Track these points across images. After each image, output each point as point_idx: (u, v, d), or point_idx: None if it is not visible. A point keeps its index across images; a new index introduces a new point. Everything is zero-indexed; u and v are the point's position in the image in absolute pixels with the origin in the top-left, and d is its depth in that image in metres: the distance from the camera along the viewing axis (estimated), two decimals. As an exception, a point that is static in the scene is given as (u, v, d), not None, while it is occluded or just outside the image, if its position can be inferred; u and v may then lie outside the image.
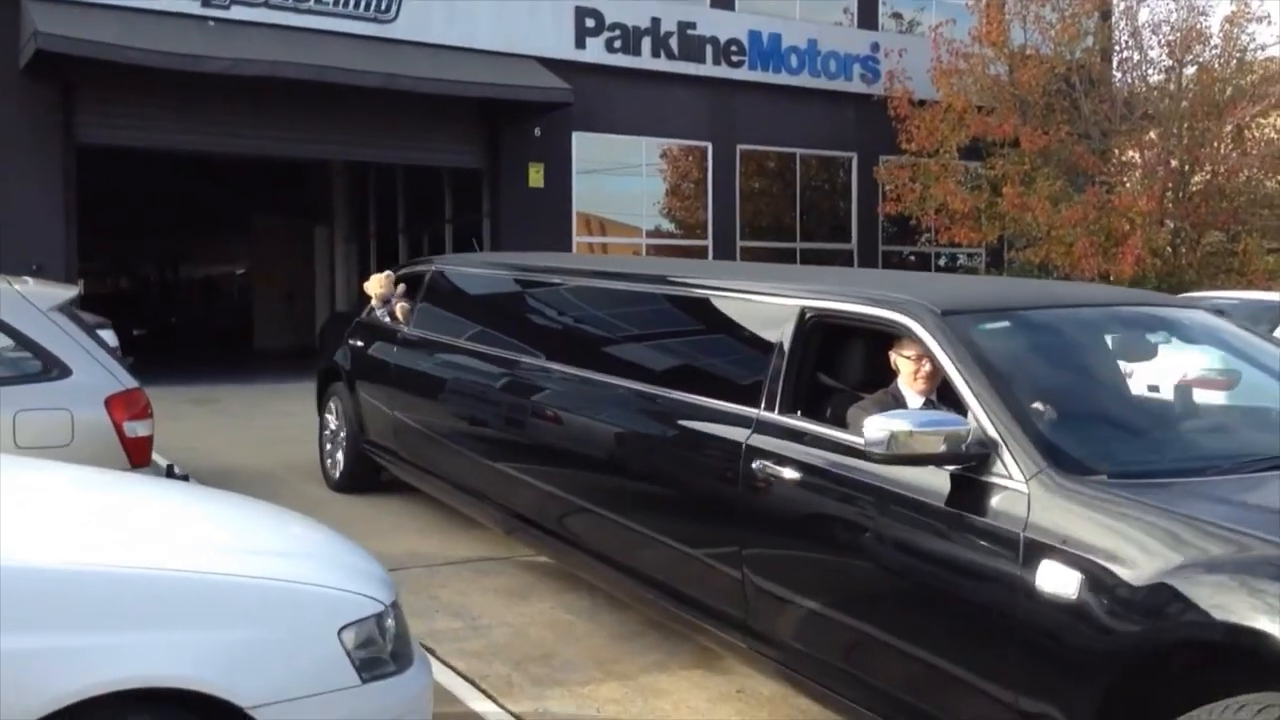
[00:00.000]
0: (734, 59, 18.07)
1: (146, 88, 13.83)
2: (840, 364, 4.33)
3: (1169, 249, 16.72)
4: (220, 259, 35.55)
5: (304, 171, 22.33)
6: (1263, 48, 17.41)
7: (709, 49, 17.88)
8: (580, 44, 16.96)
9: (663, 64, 17.51)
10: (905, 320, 3.75)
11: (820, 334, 4.14)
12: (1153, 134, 17.24)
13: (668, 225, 18.74)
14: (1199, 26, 17.32)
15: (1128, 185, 16.92)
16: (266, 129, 15.32)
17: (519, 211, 16.85)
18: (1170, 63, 17.49)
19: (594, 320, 5.85)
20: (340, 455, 7.83)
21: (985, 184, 17.51)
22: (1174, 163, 16.97)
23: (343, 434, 7.76)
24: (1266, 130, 17.32)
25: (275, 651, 2.72)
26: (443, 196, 19.25)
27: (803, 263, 18.80)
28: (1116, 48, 18.22)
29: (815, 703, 3.95)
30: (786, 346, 4.09)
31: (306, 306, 24.15)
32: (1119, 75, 18.15)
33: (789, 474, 3.85)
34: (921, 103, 17.60)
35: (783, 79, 18.45)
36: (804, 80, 18.61)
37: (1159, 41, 17.64)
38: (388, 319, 7.54)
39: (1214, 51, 17.30)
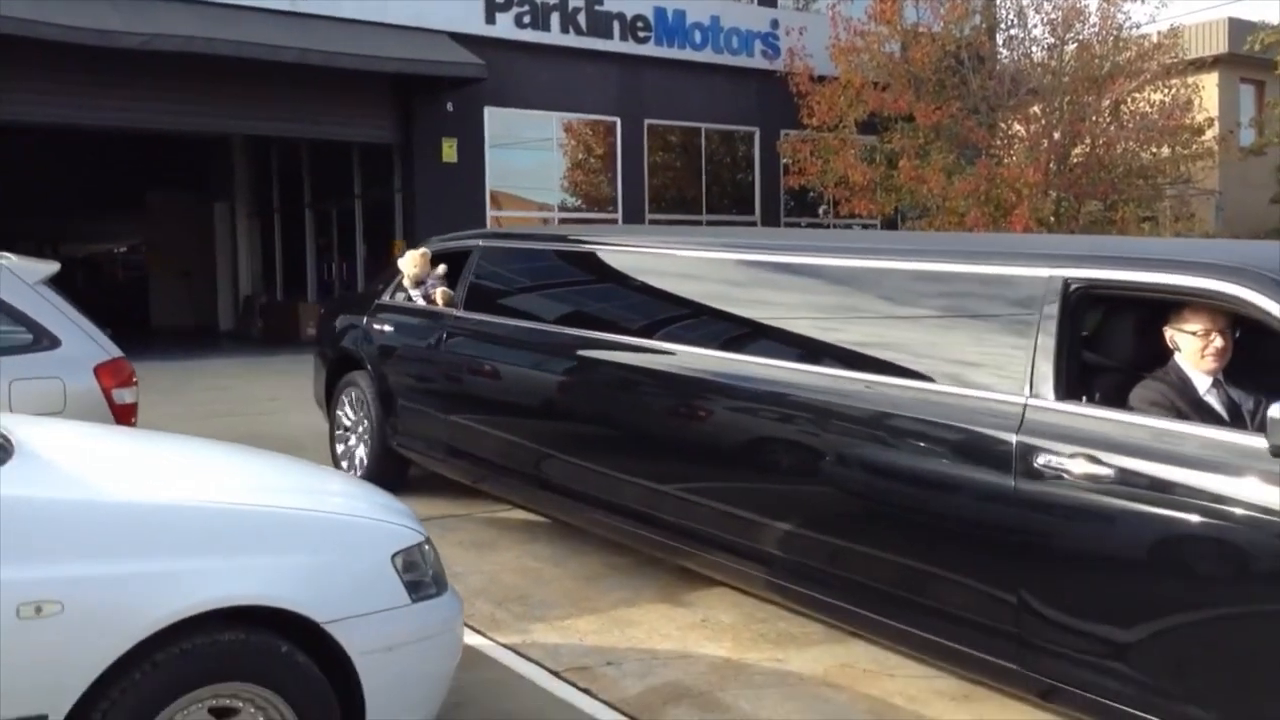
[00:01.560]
0: (640, 35, 18.48)
1: (55, 64, 13.66)
2: (1094, 340, 3.78)
3: (1053, 218, 17.69)
4: (113, 236, 34.69)
5: (203, 147, 22.07)
6: (1137, 26, 18.42)
7: (616, 25, 18.26)
8: (490, 19, 17.18)
9: (572, 39, 17.84)
10: (1241, 291, 3.13)
11: (1086, 307, 3.60)
12: (1037, 109, 18.12)
13: (578, 200, 19.11)
14: (1078, 5, 18.19)
15: (1015, 158, 17.79)
16: (173, 104, 15.24)
17: (433, 186, 17.04)
18: (1052, 40, 18.40)
19: (766, 303, 4.79)
20: (362, 452, 7.08)
21: (882, 157, 18.24)
22: (1056, 136, 17.90)
23: (362, 429, 7.09)
24: (1141, 104, 18.32)
25: (341, 574, 3.11)
26: (351, 171, 19.30)
27: (710, 234, 19.41)
28: (1002, 26, 19.07)
29: (778, 620, 4.47)
30: (1053, 324, 3.48)
31: (206, 284, 23.92)
32: (1005, 52, 19.00)
33: (1094, 473, 3.23)
34: (821, 79, 18.22)
35: (687, 55, 18.95)
36: (708, 56, 19.13)
37: (1041, 20, 18.51)
38: (421, 301, 6.82)
39: (1092, 29, 18.22)
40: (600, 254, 5.86)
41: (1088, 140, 18.03)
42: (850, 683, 4.34)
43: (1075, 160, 18.22)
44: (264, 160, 22.08)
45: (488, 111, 17.32)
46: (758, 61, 19.45)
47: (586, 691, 4.24)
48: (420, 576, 3.30)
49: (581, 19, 17.91)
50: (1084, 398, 3.46)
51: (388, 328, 6.98)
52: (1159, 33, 18.52)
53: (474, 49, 16.39)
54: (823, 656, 4.60)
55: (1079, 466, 3.27)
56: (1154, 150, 18.26)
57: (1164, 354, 3.62)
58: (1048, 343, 3.47)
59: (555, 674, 4.41)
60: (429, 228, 16.96)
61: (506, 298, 6.47)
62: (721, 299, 5.00)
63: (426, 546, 3.39)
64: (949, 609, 3.63)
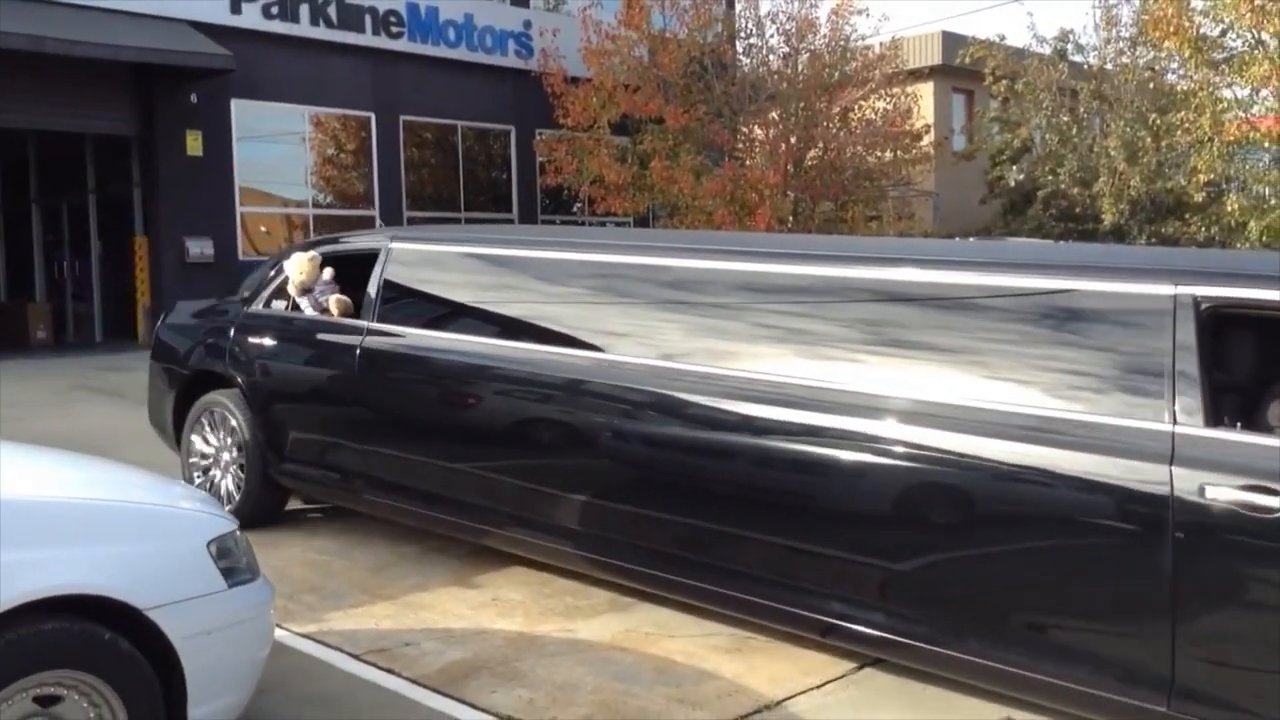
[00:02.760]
0: (393, 30, 18.37)
1: None
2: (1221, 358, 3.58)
3: (791, 218, 18.84)
4: None
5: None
6: (863, 38, 19.84)
7: (368, 19, 18.08)
8: (236, 9, 16.66)
9: (322, 32, 17.54)
10: None
11: (1218, 325, 3.44)
12: (775, 114, 19.24)
13: (331, 195, 18.80)
14: (810, 17, 19.43)
15: (756, 160, 18.83)
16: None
17: (177, 180, 16.38)
18: (787, 50, 19.57)
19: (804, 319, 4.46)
20: (229, 484, 6.35)
21: (635, 158, 18.89)
22: (793, 140, 19.07)
23: (228, 458, 6.35)
24: (867, 112, 19.75)
25: (160, 562, 3.20)
26: (85, 165, 18.26)
27: (469, 231, 19.54)
28: (742, 34, 20.10)
29: (565, 595, 4.80)
30: (1191, 343, 3.34)
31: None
32: (745, 60, 20.06)
33: (1267, 504, 3.08)
34: (575, 80, 18.69)
35: (442, 51, 18.98)
36: (462, 54, 19.23)
37: (777, 30, 19.65)
38: (311, 311, 6.22)
39: (823, 40, 19.52)
40: (550, 259, 5.42)
41: (820, 145, 19.28)
42: (635, 645, 4.71)
43: (810, 163, 19.46)
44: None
45: (235, 104, 16.79)
46: (512, 61, 19.71)
47: (389, 671, 4.42)
48: (234, 563, 3.42)
49: (332, 11, 17.65)
50: (1239, 424, 3.35)
51: (269, 341, 6.24)
52: (882, 44, 20.04)
53: (221, 40, 15.87)
54: (609, 624, 4.95)
55: (1248, 498, 3.12)
56: (879, 154, 19.73)
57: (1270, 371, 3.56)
58: (1188, 364, 3.33)
59: (356, 657, 4.56)
60: (172, 222, 16.36)
61: (445, 309, 5.76)
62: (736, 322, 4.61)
63: (238, 534, 3.51)
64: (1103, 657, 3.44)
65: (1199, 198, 17.09)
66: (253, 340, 6.31)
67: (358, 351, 5.71)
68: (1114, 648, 3.40)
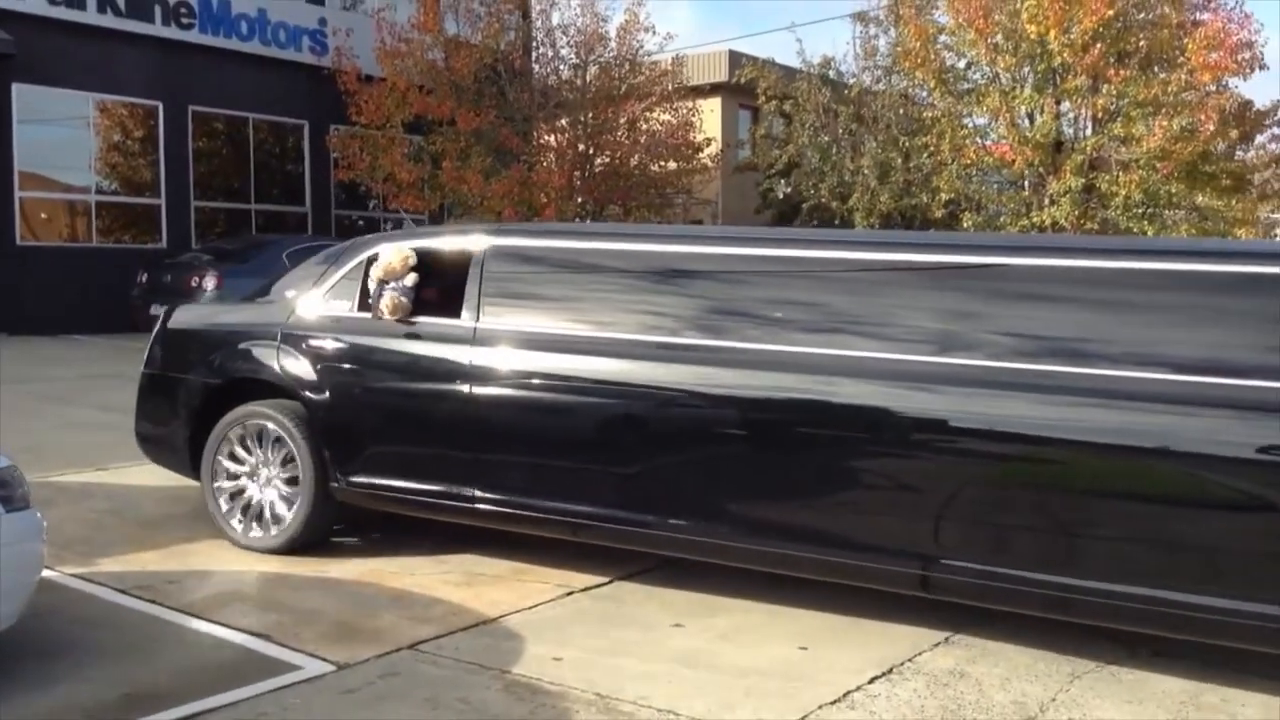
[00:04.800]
0: (184, 21, 18.38)
1: None
2: None
3: (578, 219, 19.81)
4: None
5: None
6: (649, 54, 21.02)
7: (158, 9, 18.04)
8: (18, -8, 16.43)
9: (110, 20, 17.42)
10: None
11: None
12: (564, 121, 20.19)
13: (116, 183, 18.63)
14: (600, 31, 20.50)
15: (545, 165, 19.72)
16: None
17: (-50, 163, 16.03)
18: (577, 61, 20.54)
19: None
20: (271, 499, 5.84)
21: (428, 157, 19.47)
22: (581, 147, 20.06)
23: (269, 474, 5.85)
24: (653, 123, 20.92)
25: (-55, 489, 3.80)
26: None
27: (260, 225, 19.71)
28: (534, 44, 20.95)
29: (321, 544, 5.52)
30: None
31: None
32: (537, 68, 20.92)
33: None
34: (369, 79, 19.13)
35: (234, 44, 19.08)
36: (256, 48, 19.36)
37: (568, 41, 20.61)
38: (386, 301, 5.64)
39: (611, 54, 20.60)
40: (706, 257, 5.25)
41: (608, 153, 20.34)
42: (379, 580, 5.46)
43: (598, 169, 20.51)
44: None
45: (16, 88, 16.53)
46: (306, 57, 19.95)
47: (153, 601, 5.04)
48: (11, 492, 4.04)
49: (120, 1, 17.55)
50: None
51: (340, 346, 5.72)
52: (668, 60, 21.27)
53: (2, 24, 15.64)
54: (358, 565, 5.69)
55: None
56: (662, 164, 20.94)
57: None
58: None
59: (123, 591, 5.16)
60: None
61: (574, 310, 5.37)
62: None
63: (16, 471, 4.12)
64: None
65: (940, 215, 18.94)
66: (314, 344, 5.76)
67: (468, 357, 5.35)
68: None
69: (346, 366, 5.72)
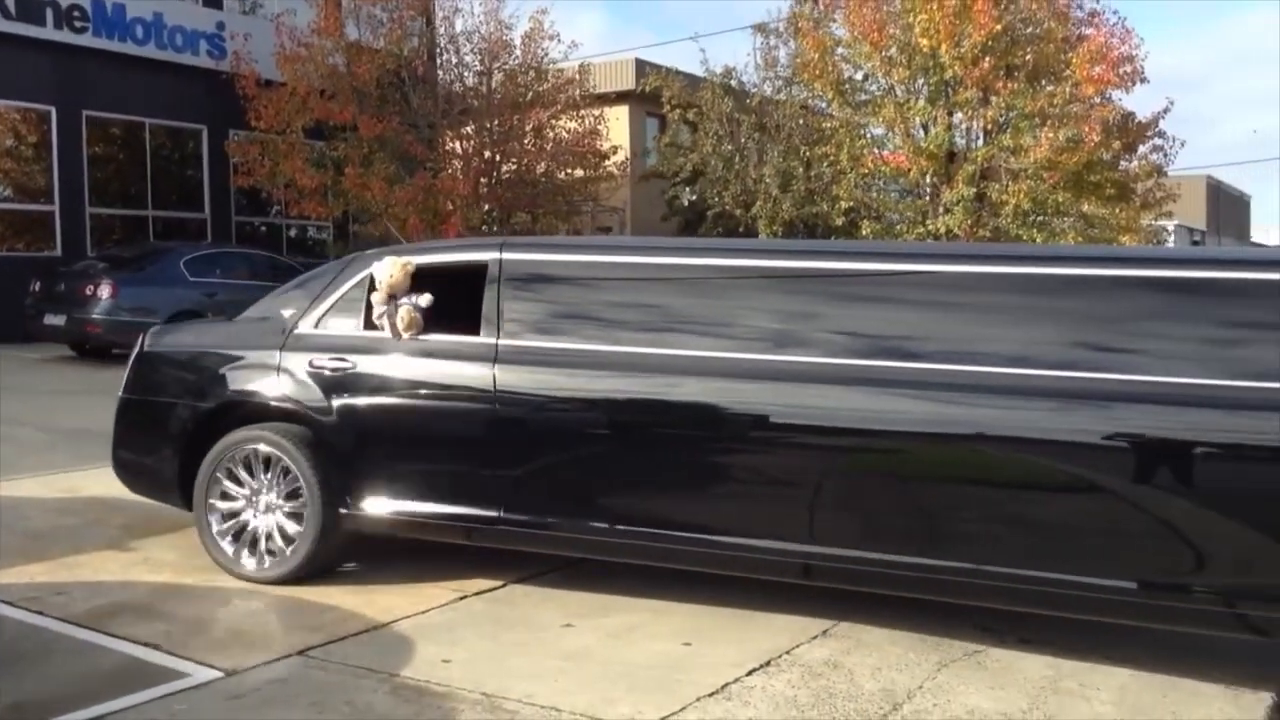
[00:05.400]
0: (77, 25, 18.01)
1: None
2: None
3: (484, 227, 19.83)
4: None
5: None
6: (554, 61, 21.15)
7: (50, 12, 17.66)
8: (-101, -7, 15.95)
9: (1, 24, 17.00)
10: None
11: None
12: (470, 128, 20.21)
13: (9, 189, 18.16)
14: (505, 38, 20.58)
15: (450, 172, 19.71)
16: None
17: None
18: (482, 68, 20.58)
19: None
20: (272, 527, 5.56)
21: (330, 163, 19.33)
22: (487, 154, 20.09)
23: (270, 500, 5.57)
24: (559, 131, 21.06)
25: None
26: None
27: (157, 232, 19.38)
28: (439, 50, 20.93)
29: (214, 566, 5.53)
30: None
31: None
32: (442, 74, 20.90)
33: None
34: (269, 83, 18.93)
35: (130, 49, 18.75)
36: (152, 52, 19.05)
37: (472, 48, 20.65)
38: (387, 321, 5.43)
39: (516, 61, 20.68)
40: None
41: (514, 160, 20.41)
42: (272, 591, 5.48)
43: (505, 176, 20.56)
44: None
45: (-103, 92, 16.06)
46: (204, 61, 19.69)
47: (39, 612, 5.01)
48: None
49: (11, 4, 17.13)
50: None
51: (348, 365, 5.46)
52: (574, 68, 21.41)
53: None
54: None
55: None
56: (569, 171, 21.08)
57: None
58: None
59: (9, 603, 5.10)
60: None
61: (602, 325, 5.22)
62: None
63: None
64: None
65: (840, 222, 19.39)
66: (320, 364, 5.51)
67: (492, 375, 5.16)
68: None
69: (357, 387, 5.45)
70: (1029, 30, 18.09)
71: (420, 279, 5.45)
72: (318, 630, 4.90)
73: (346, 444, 5.43)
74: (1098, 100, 18.25)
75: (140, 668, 4.42)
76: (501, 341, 5.22)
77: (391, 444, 5.42)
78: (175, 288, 14.95)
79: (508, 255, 5.41)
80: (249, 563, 5.58)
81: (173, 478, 5.80)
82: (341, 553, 5.67)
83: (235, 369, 5.75)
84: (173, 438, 5.82)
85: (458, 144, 20.55)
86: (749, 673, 4.43)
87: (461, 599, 5.39)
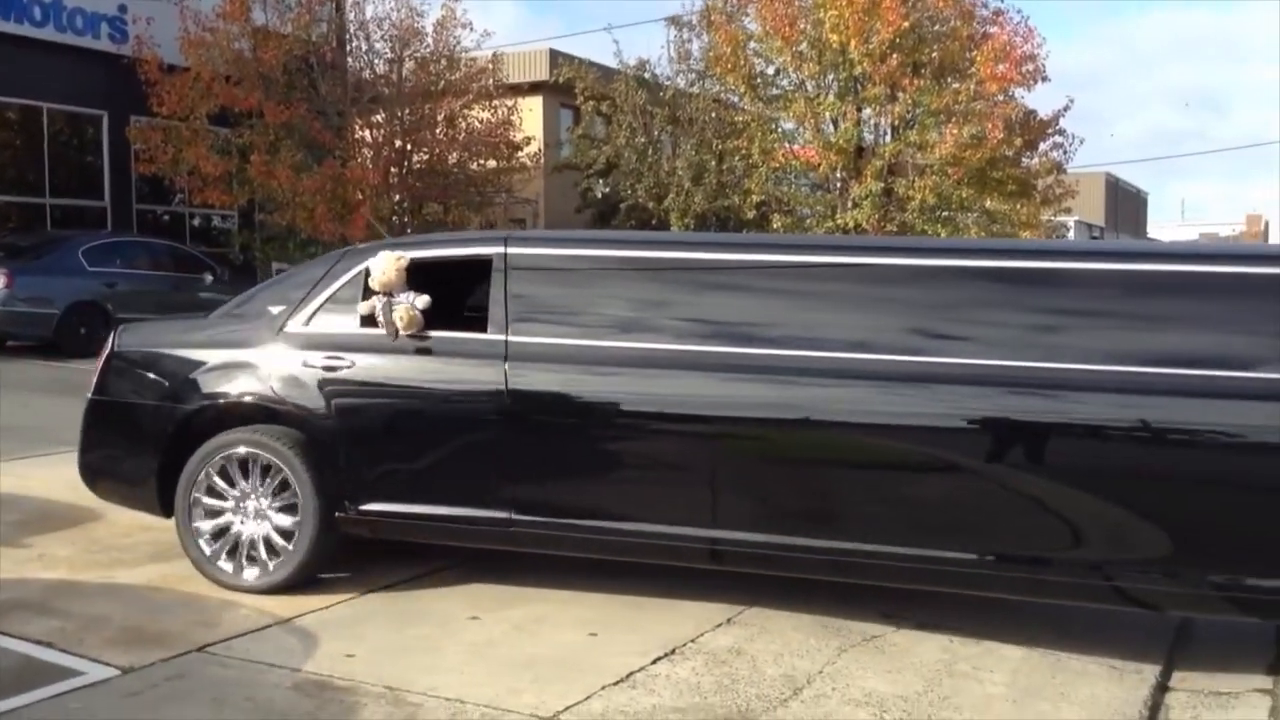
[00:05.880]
0: (-31, 5, 17.38)
1: None
2: None
3: (394, 218, 19.62)
4: None
5: None
6: (467, 50, 20.96)
7: (-62, -9, 17.01)
8: None
9: (-114, 2, 16.34)
10: None
11: None
12: (380, 117, 19.95)
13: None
14: (416, 25, 20.32)
15: (360, 161, 19.44)
16: None
17: None
18: (393, 55, 20.32)
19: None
20: (262, 533, 5.32)
21: (235, 150, 18.92)
22: (398, 143, 19.86)
23: (258, 506, 5.33)
24: (471, 121, 20.89)
25: None
26: None
27: (55, 220, 18.81)
28: (348, 37, 20.61)
29: (111, 550, 5.39)
30: None
31: None
32: (351, 61, 20.59)
33: None
34: (172, 69, 18.45)
35: (27, 30, 18.12)
36: (50, 34, 18.43)
37: (383, 35, 20.37)
38: (382, 317, 5.24)
39: (428, 49, 20.46)
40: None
41: (425, 149, 20.20)
42: (171, 586, 5.39)
43: (416, 166, 20.34)
44: None
45: None
46: (105, 45, 19.11)
47: (-73, 614, 4.87)
48: None
49: (-102, -19, 16.47)
50: None
51: (348, 364, 5.28)
52: (487, 57, 21.26)
53: None
54: (148, 572, 5.58)
55: None
56: (482, 162, 20.93)
57: None
58: None
59: (-106, 605, 4.96)
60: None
61: (614, 319, 5.14)
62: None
63: None
64: None
65: (751, 215, 19.58)
66: (315, 364, 5.32)
67: (504, 373, 5.05)
68: None
69: (356, 387, 5.28)
70: (935, 28, 18.45)
71: (413, 273, 5.28)
72: (217, 626, 4.84)
73: (346, 445, 5.25)
74: (1001, 98, 18.69)
75: (34, 666, 4.33)
76: (511, 338, 5.10)
77: (394, 444, 5.28)
78: (73, 277, 14.56)
79: (514, 250, 5.28)
80: (241, 571, 5.33)
81: (150, 483, 5.53)
82: (330, 560, 5.45)
83: (220, 369, 5.49)
84: (151, 441, 5.55)
85: (367, 133, 20.27)
86: (654, 661, 4.49)
87: (366, 594, 5.36)
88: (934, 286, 4.84)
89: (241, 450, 5.34)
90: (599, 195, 23.04)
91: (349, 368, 5.28)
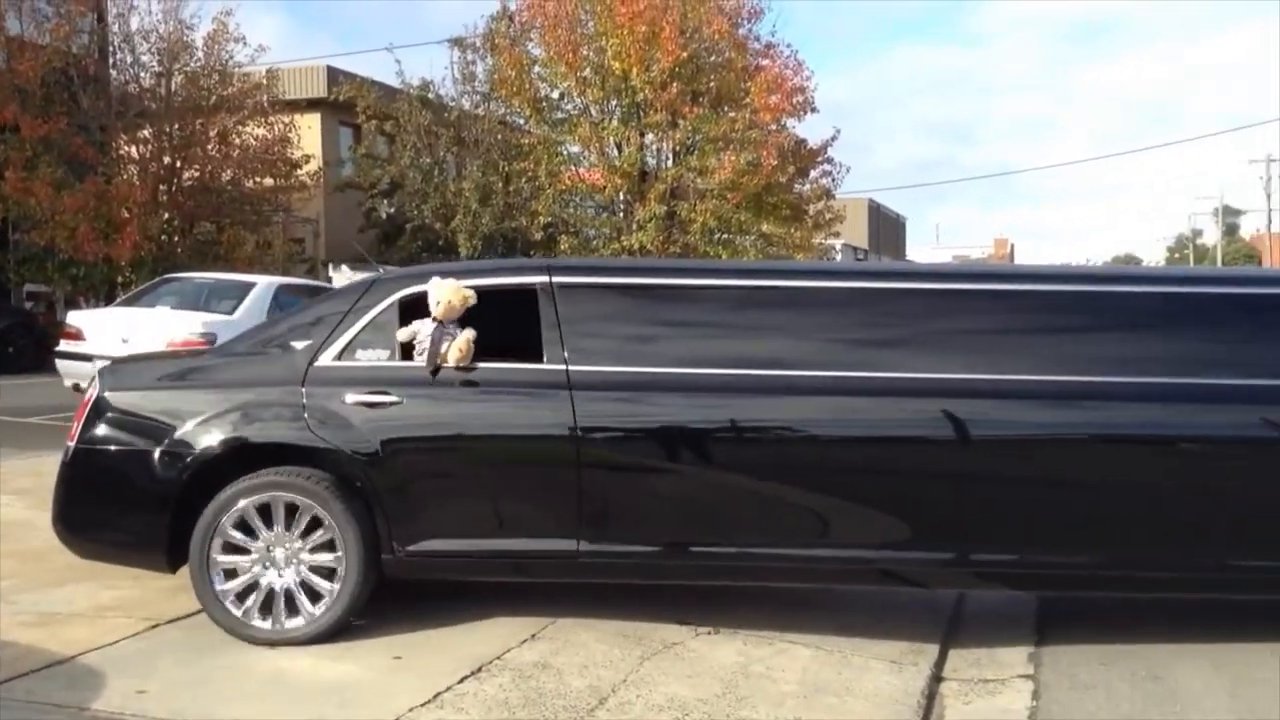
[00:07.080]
0: None
1: None
2: None
3: (164, 236, 18.75)
4: None
5: None
6: (240, 65, 20.32)
7: None
8: None
9: None
10: None
11: None
12: (147, 132, 19.07)
13: None
14: (185, 38, 19.59)
15: (126, 177, 18.52)
16: None
17: None
18: (160, 69, 19.49)
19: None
20: (292, 583, 4.97)
21: (-10, 165, 17.69)
22: (166, 160, 19.03)
23: (287, 552, 4.96)
24: (245, 137, 20.26)
25: None
26: None
27: None
28: (111, 49, 19.63)
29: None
30: None
31: None
32: (115, 74, 19.61)
33: None
34: (-89, 77, 17.13)
35: None
36: None
37: (150, 48, 19.51)
38: (427, 348, 5.02)
39: (198, 63, 19.72)
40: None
41: (197, 166, 19.44)
42: None
43: (186, 184, 19.54)
44: None
45: None
46: None
47: None
48: None
49: None
50: None
51: (395, 400, 5.04)
52: (261, 72, 20.66)
53: None
54: None
55: None
56: (258, 180, 20.30)
57: None
58: None
59: None
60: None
61: (668, 348, 5.16)
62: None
63: None
64: None
65: (539, 237, 19.76)
66: (356, 401, 5.03)
67: (568, 404, 4.94)
68: None
69: (407, 424, 5.04)
70: (712, 59, 19.16)
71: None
72: (-7, 669, 4.56)
73: (396, 484, 4.99)
74: (774, 127, 19.58)
75: None
76: (573, 368, 5.00)
77: (451, 480, 5.07)
78: None
79: (559, 279, 5.20)
80: (275, 624, 4.97)
81: (157, 536, 5.05)
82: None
83: (243, 409, 5.09)
84: (158, 490, 5.06)
85: (134, 148, 19.35)
86: (461, 680, 4.52)
87: (154, 627, 5.16)
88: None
89: (270, 495, 4.98)
90: (384, 215, 22.69)
91: (397, 404, 5.04)
